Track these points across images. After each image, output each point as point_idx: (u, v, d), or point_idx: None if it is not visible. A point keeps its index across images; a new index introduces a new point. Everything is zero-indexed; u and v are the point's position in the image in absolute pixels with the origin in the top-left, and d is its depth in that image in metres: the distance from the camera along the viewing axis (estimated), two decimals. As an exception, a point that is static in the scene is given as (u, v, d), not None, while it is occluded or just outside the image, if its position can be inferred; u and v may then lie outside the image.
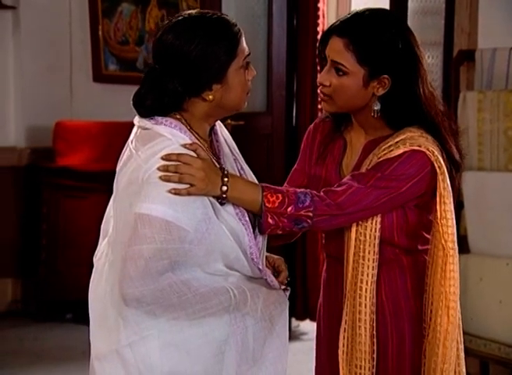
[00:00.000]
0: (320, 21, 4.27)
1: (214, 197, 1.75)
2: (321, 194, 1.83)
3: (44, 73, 4.68)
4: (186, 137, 1.75)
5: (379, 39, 1.85)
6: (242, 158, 1.89)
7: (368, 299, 1.87)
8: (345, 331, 1.89)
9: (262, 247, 1.82)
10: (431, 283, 1.88)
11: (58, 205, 4.48)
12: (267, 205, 1.78)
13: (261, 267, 1.79)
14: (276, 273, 1.88)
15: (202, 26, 1.76)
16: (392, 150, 1.84)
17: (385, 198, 1.83)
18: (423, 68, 1.89)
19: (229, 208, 1.76)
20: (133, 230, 1.67)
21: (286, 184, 2.02)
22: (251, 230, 1.78)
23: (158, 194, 1.68)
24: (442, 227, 1.86)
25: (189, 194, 1.71)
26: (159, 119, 1.76)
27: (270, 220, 1.79)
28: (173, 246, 1.67)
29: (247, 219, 1.77)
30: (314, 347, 2.05)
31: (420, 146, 1.84)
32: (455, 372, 1.90)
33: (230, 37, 1.77)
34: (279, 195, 1.79)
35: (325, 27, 4.29)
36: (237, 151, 1.89)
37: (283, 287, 1.86)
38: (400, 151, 1.83)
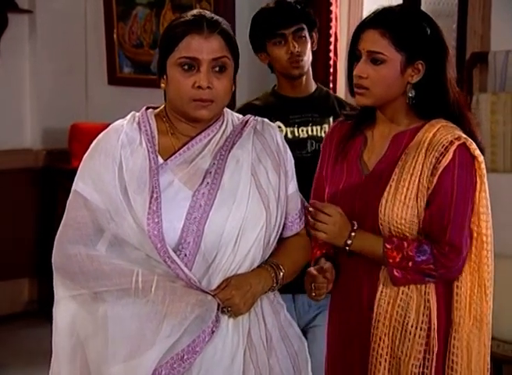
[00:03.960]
0: (333, 24, 4.29)
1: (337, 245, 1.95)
2: (441, 243, 1.90)
3: (60, 75, 4.72)
4: (129, 126, 1.82)
5: (412, 25, 1.92)
6: (236, 169, 1.81)
7: None
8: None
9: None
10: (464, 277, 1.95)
11: (73, 207, 4.50)
12: (390, 260, 1.91)
13: (169, 263, 1.73)
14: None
15: (184, 15, 1.82)
16: (441, 152, 1.89)
17: (469, 209, 1.93)
18: (450, 54, 1.97)
19: (140, 206, 1.74)
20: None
21: (313, 193, 2.09)
22: (159, 222, 1.73)
23: (83, 172, 1.82)
24: (480, 215, 1.93)
25: (315, 237, 1.92)
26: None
27: (396, 273, 1.91)
28: (84, 220, 1.79)
29: (158, 208, 1.74)
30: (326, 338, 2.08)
31: (460, 137, 1.91)
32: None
33: (180, 30, 1.78)
34: (399, 251, 1.89)
35: (338, 31, 4.34)
36: (246, 160, 1.82)
37: (211, 294, 1.75)
38: (450, 155, 1.88)
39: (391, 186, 1.92)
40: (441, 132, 1.91)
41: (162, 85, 1.83)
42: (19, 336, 4.31)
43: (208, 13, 1.83)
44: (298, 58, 2.56)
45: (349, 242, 1.92)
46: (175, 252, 1.75)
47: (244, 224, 1.78)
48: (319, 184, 2.09)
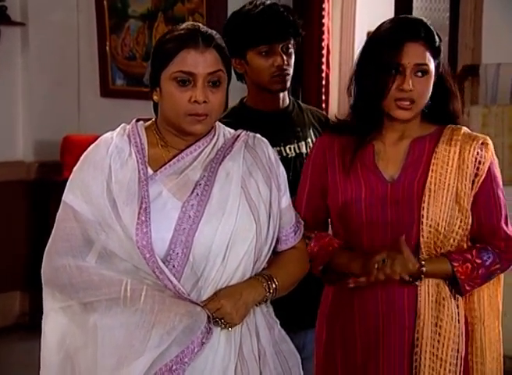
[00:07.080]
0: (325, 37, 4.31)
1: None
2: (495, 242, 2.01)
3: (53, 88, 4.72)
4: (118, 138, 1.81)
5: (436, 33, 2.01)
6: (227, 183, 1.80)
7: None
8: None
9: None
10: None
11: (65, 219, 4.49)
12: (461, 277, 1.98)
13: (158, 273, 1.72)
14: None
15: (177, 27, 1.82)
16: (483, 149, 2.00)
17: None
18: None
19: (129, 217, 1.74)
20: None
21: (304, 208, 2.07)
22: (148, 232, 1.73)
23: (72, 184, 1.82)
24: None
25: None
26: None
27: (467, 287, 1.99)
28: (73, 232, 1.77)
29: (148, 217, 1.74)
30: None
31: (487, 138, 2.03)
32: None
33: (175, 44, 1.77)
34: (468, 265, 1.98)
35: (330, 43, 4.35)
36: (234, 175, 1.81)
37: (201, 305, 1.73)
38: (488, 160, 2.00)
39: (430, 189, 1.96)
40: (469, 133, 2.02)
41: (155, 97, 1.83)
42: (10, 349, 4.28)
43: (201, 26, 1.82)
44: (285, 73, 2.32)
45: (423, 269, 1.95)
46: (163, 263, 1.74)
47: (234, 237, 1.77)
48: (314, 194, 2.07)
